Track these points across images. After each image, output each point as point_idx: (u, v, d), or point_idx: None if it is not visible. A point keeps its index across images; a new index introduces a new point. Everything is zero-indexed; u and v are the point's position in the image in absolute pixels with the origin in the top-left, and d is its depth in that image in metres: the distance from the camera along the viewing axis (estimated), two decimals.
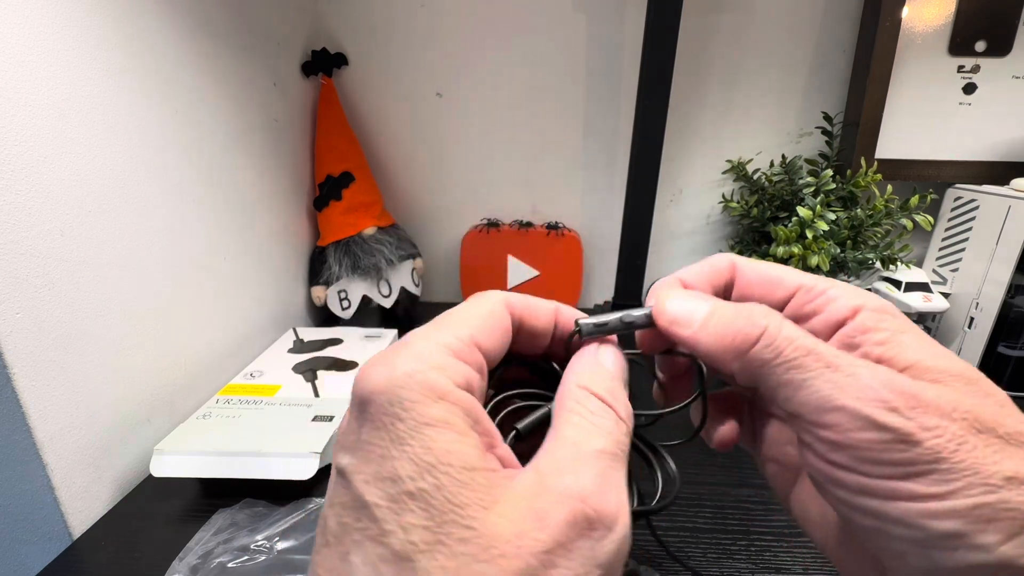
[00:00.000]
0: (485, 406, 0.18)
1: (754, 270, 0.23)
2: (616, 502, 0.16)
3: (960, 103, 0.72)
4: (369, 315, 0.79)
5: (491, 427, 0.17)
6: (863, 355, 0.19)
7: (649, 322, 0.22)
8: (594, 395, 0.18)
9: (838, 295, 0.20)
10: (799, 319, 0.21)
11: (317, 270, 0.76)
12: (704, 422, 0.24)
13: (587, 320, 0.22)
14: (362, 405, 0.16)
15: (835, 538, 0.21)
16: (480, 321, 0.19)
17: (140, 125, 0.47)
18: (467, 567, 0.13)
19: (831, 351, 0.18)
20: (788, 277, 0.22)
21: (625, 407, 0.19)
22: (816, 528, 0.22)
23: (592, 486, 0.15)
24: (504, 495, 0.15)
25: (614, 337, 0.22)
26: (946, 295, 0.70)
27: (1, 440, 0.36)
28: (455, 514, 0.14)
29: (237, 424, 0.47)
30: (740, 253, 0.78)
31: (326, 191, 0.75)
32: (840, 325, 0.20)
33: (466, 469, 0.15)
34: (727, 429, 0.24)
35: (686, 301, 0.21)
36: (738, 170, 0.79)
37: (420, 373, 0.16)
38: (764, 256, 0.71)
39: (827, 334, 0.20)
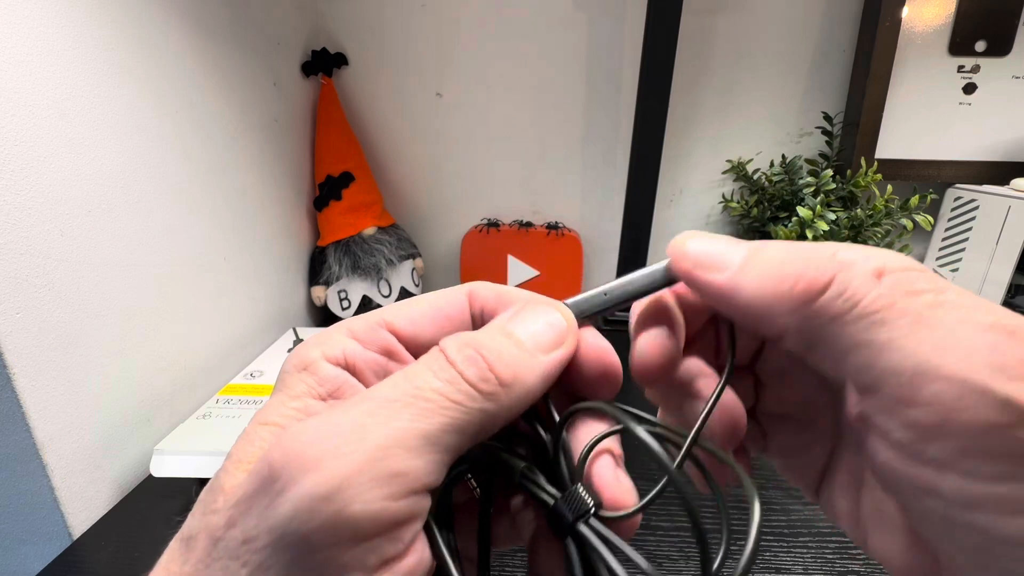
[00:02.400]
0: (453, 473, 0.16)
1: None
2: (314, 453, 0.13)
3: (960, 103, 0.72)
4: None
5: (344, 391, 0.17)
6: None
7: (661, 281, 0.17)
8: (442, 353, 0.16)
9: (851, 259, 0.15)
10: None
11: (317, 270, 0.76)
12: (710, 410, 0.17)
13: (573, 301, 0.19)
14: None
15: (879, 533, 0.17)
16: (409, 306, 0.19)
17: (140, 125, 0.46)
18: (196, 519, 0.14)
19: (921, 302, 0.13)
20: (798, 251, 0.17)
21: (482, 375, 0.15)
22: (849, 521, 0.18)
23: (300, 430, 0.13)
24: None
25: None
26: None
27: (1, 440, 0.36)
28: (222, 466, 0.15)
29: (237, 424, 0.47)
30: None
31: (326, 191, 0.75)
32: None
33: (259, 424, 0.15)
34: (732, 414, 0.18)
35: (714, 242, 0.16)
36: (738, 170, 0.79)
37: (305, 347, 0.17)
38: None
39: None
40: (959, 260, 0.70)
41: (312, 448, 0.13)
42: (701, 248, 0.16)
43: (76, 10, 0.40)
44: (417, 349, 0.18)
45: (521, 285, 0.83)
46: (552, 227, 0.82)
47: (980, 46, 0.70)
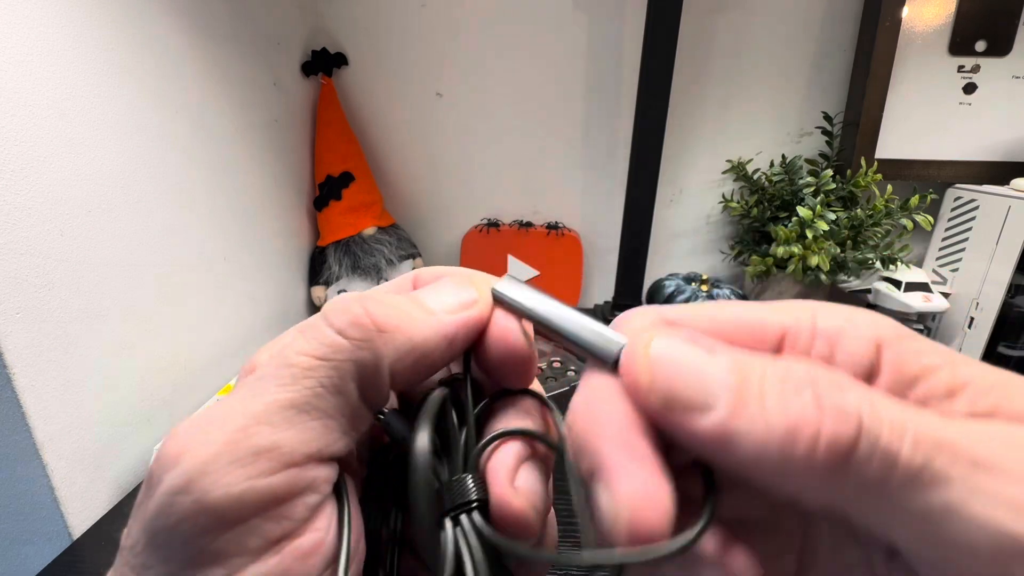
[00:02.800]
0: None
1: (706, 325, 0.14)
2: (176, 449, 0.12)
3: (960, 103, 0.72)
4: None
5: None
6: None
7: (606, 360, 0.14)
8: (330, 326, 0.14)
9: (836, 328, 0.13)
10: None
11: (317, 270, 0.76)
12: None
13: (504, 284, 0.17)
14: None
15: None
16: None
17: (140, 125, 0.46)
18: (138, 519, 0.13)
19: (965, 431, 0.10)
20: (763, 320, 0.14)
21: (335, 343, 0.14)
22: None
23: (171, 433, 0.13)
24: None
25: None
26: (946, 295, 0.70)
27: (1, 440, 0.36)
28: None
29: None
30: (740, 253, 0.78)
31: (326, 191, 0.75)
32: (867, 377, 0.12)
33: None
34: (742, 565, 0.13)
35: (683, 350, 0.12)
36: (738, 170, 0.79)
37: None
38: (764, 256, 0.71)
39: None
40: (959, 260, 0.70)
41: (178, 444, 0.12)
42: (670, 361, 0.12)
43: (76, 10, 0.40)
44: None
45: None
46: (552, 227, 0.82)
47: (980, 46, 0.69)
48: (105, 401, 0.44)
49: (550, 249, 0.82)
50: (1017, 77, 0.70)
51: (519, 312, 0.16)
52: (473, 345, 0.17)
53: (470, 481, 0.15)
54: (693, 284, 0.71)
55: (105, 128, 0.43)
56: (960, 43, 0.70)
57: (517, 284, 0.17)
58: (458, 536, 0.14)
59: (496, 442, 0.16)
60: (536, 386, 0.18)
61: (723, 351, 0.12)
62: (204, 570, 0.12)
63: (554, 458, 0.17)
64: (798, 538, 0.15)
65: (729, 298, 0.71)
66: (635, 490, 0.11)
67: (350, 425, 0.14)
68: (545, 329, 0.16)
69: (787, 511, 0.15)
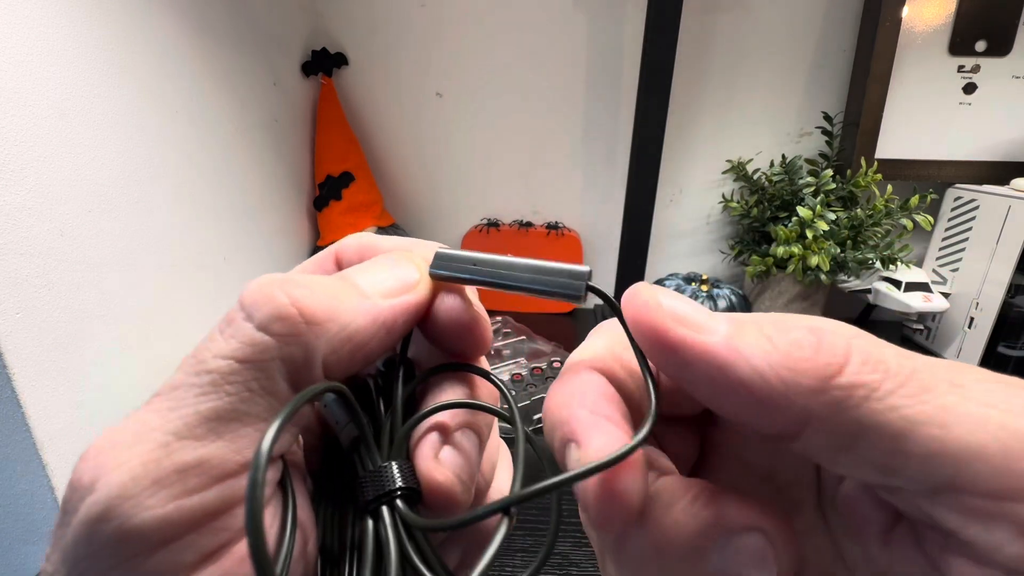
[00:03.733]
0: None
1: None
2: (91, 475, 0.11)
3: (960, 103, 0.72)
4: None
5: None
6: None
7: (573, 293, 0.14)
8: (238, 302, 0.13)
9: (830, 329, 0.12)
10: None
11: None
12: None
13: (442, 259, 0.16)
14: None
15: None
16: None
17: (140, 125, 0.46)
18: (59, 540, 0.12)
19: (930, 362, 0.11)
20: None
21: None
22: None
23: (84, 453, 0.12)
24: None
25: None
26: (946, 295, 0.70)
27: (1, 440, 0.36)
28: None
29: None
30: (740, 253, 0.78)
31: (326, 191, 0.75)
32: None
33: None
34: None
35: (687, 302, 0.13)
36: (738, 170, 0.79)
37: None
38: (764, 256, 0.71)
39: None
40: (959, 260, 0.70)
41: (90, 468, 0.11)
42: (675, 301, 0.13)
43: (76, 10, 0.40)
44: None
45: None
46: (552, 227, 0.82)
47: (980, 46, 0.69)
48: (105, 401, 0.44)
49: (550, 249, 0.82)
50: (1017, 77, 0.70)
51: (464, 283, 0.16)
52: (412, 329, 0.16)
53: (394, 469, 0.14)
54: (693, 284, 0.71)
55: (105, 128, 0.43)
56: (960, 43, 0.70)
57: (454, 255, 0.16)
58: (380, 529, 0.13)
59: (427, 420, 0.15)
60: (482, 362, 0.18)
61: (717, 313, 0.13)
62: None
63: (490, 426, 0.16)
64: (812, 513, 0.15)
65: (729, 298, 0.71)
66: (604, 444, 0.12)
67: (291, 419, 0.13)
68: (498, 289, 0.15)
69: (792, 481, 0.15)
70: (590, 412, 0.13)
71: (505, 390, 0.17)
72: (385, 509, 0.14)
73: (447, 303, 0.16)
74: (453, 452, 0.15)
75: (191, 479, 0.11)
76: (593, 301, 0.88)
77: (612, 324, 0.15)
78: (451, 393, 0.16)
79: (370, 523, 0.14)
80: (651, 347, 0.12)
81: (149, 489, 0.11)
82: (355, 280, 0.15)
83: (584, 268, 0.15)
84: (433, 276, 0.16)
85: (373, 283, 0.15)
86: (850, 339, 0.11)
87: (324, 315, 0.13)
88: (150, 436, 0.12)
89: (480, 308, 0.17)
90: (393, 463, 0.14)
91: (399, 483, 0.14)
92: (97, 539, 0.11)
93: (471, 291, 0.17)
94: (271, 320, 0.12)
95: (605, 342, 0.15)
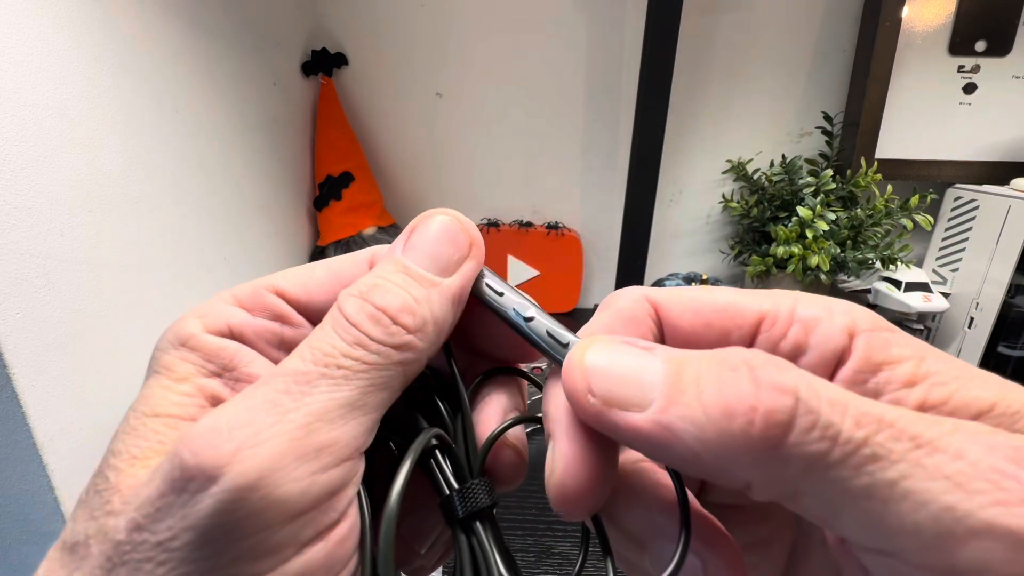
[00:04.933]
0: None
1: (686, 304, 0.15)
2: (231, 446, 0.12)
3: (960, 103, 0.72)
4: None
5: (245, 372, 0.15)
6: (895, 403, 0.12)
7: (561, 364, 0.14)
8: (341, 313, 0.14)
9: (814, 316, 0.13)
10: None
11: None
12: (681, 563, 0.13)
13: (488, 297, 0.17)
14: None
15: None
16: (303, 271, 0.17)
17: (140, 125, 0.46)
18: (84, 523, 0.13)
19: (906, 415, 0.10)
20: (741, 304, 0.14)
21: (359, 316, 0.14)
22: None
23: (211, 424, 0.12)
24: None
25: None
26: (946, 295, 0.70)
27: (1, 440, 0.36)
28: (107, 463, 0.14)
29: None
30: (740, 253, 0.78)
31: (326, 191, 0.75)
32: (837, 363, 0.13)
33: (148, 415, 0.14)
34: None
35: (619, 353, 0.13)
36: (738, 170, 0.79)
37: (180, 321, 0.16)
38: (764, 256, 0.71)
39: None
40: (959, 260, 0.70)
41: (227, 442, 0.12)
42: (605, 368, 0.13)
43: (76, 10, 0.40)
44: (312, 315, 0.16)
45: (521, 285, 0.83)
46: (552, 227, 0.82)
47: (980, 46, 0.70)
48: (105, 401, 0.44)
49: (550, 249, 0.82)
50: (1017, 77, 0.70)
51: (492, 308, 0.16)
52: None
53: (483, 486, 0.15)
54: (693, 284, 0.71)
55: (105, 128, 0.43)
56: (960, 43, 0.70)
57: (496, 277, 0.17)
58: (474, 544, 0.15)
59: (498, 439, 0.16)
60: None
61: (661, 350, 0.13)
62: (259, 562, 0.12)
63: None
64: (789, 527, 0.16)
65: None
66: (564, 453, 0.14)
67: (382, 415, 0.15)
68: (508, 327, 0.16)
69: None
70: (560, 424, 0.14)
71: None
72: (478, 524, 0.15)
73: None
74: (524, 467, 0.17)
75: (325, 457, 0.13)
76: (593, 302, 0.88)
77: (614, 298, 0.16)
78: (502, 399, 0.17)
79: (463, 537, 0.15)
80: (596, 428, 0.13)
81: (293, 464, 0.12)
82: (415, 269, 0.15)
83: (573, 340, 0.15)
84: (478, 295, 0.17)
85: (431, 260, 0.16)
86: (796, 391, 0.10)
87: (419, 324, 0.15)
88: (291, 417, 0.13)
89: None
90: (479, 480, 0.15)
91: (488, 500, 0.15)
92: (245, 507, 0.12)
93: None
94: (386, 336, 0.14)
95: (607, 319, 0.16)
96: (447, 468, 0.15)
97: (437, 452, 0.16)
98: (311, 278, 0.17)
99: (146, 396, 0.14)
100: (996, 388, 0.11)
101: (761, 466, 0.11)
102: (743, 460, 0.11)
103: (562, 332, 0.15)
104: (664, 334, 0.15)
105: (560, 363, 0.14)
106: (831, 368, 0.13)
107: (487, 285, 0.17)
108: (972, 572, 0.09)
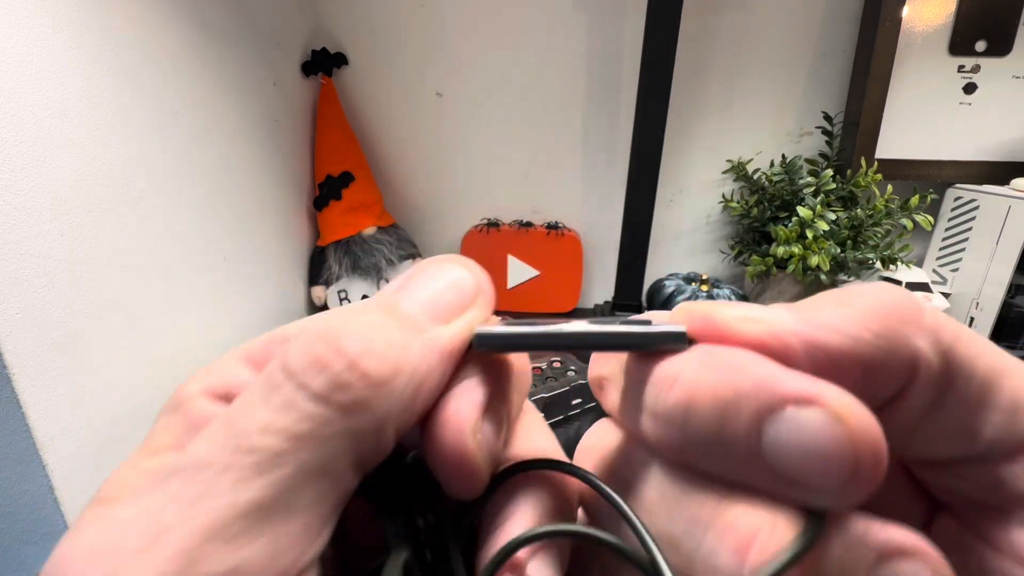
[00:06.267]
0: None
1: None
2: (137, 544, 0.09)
3: (960, 103, 0.72)
4: None
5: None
6: None
7: (667, 341, 0.11)
8: (281, 359, 0.10)
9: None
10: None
11: (317, 270, 0.76)
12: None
13: (490, 330, 0.12)
14: None
15: None
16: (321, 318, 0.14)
17: (140, 125, 0.46)
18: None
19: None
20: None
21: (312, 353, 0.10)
22: None
23: (67, 549, 0.09)
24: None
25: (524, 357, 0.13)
26: (946, 295, 0.70)
27: (1, 440, 0.36)
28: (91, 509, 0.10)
29: None
30: (740, 253, 0.78)
31: (326, 191, 0.75)
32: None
33: (99, 501, 0.10)
34: None
35: (755, 309, 0.11)
36: (738, 170, 0.79)
37: (187, 381, 0.13)
38: (764, 256, 0.71)
39: None
40: (959, 260, 0.70)
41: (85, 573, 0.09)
42: (730, 308, 0.11)
43: (76, 10, 0.40)
44: None
45: (521, 285, 0.83)
46: (552, 227, 0.82)
47: (980, 46, 0.69)
48: (105, 401, 0.44)
49: (550, 249, 0.82)
50: (1017, 77, 0.70)
51: (525, 347, 0.12)
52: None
53: None
54: (693, 284, 0.71)
55: (105, 128, 0.43)
56: (960, 43, 0.70)
57: (501, 333, 0.12)
58: None
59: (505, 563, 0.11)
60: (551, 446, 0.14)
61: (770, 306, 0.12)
62: None
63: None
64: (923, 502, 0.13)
65: (730, 298, 0.71)
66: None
67: (336, 509, 0.10)
68: (581, 350, 0.12)
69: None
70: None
71: (624, 508, 0.11)
72: None
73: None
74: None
75: None
76: (592, 301, 0.88)
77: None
78: (529, 507, 0.12)
79: None
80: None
81: None
82: (404, 308, 0.12)
83: (677, 325, 0.12)
84: (478, 342, 0.12)
85: (426, 304, 0.12)
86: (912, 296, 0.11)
87: (388, 372, 0.10)
88: (169, 540, 0.09)
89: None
90: None
91: None
92: None
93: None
94: (331, 389, 0.10)
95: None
96: None
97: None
98: None
99: (117, 470, 0.12)
100: None
101: (912, 340, 0.10)
102: (900, 334, 0.10)
103: (639, 320, 0.12)
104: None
105: (678, 343, 0.11)
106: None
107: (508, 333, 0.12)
108: None
